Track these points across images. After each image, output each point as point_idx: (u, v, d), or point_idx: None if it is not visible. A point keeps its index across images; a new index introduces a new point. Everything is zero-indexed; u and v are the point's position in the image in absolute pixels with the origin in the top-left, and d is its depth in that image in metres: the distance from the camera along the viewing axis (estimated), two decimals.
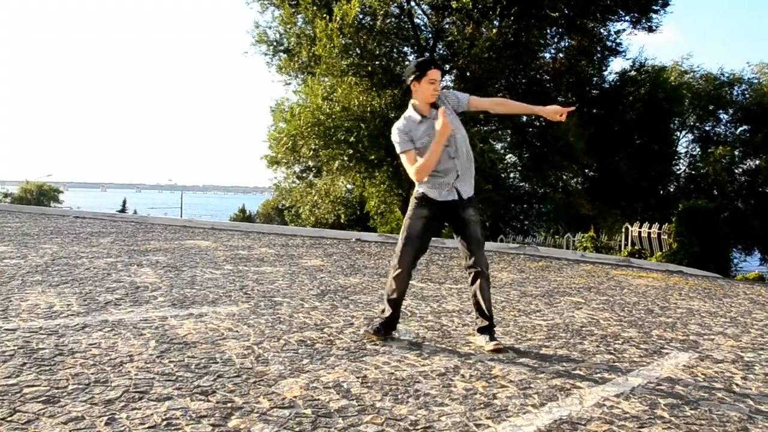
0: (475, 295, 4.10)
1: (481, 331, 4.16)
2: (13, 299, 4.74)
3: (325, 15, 15.84)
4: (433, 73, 3.96)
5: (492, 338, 4.11)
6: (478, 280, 4.07)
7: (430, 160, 3.88)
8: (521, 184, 24.56)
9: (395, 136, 4.04)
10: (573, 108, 4.11)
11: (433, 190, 4.05)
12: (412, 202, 4.15)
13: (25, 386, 2.86)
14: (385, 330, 4.22)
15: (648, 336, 4.86)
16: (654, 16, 18.16)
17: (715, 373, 3.90)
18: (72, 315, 4.32)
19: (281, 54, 18.52)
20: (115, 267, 6.60)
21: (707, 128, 26.69)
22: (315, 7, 16.63)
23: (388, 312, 4.21)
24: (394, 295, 4.16)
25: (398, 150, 4.06)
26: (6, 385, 2.86)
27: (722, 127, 26.69)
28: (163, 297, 5.17)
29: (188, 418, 2.62)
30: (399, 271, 4.09)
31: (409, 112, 4.09)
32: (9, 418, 2.50)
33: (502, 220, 24.27)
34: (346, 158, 16.15)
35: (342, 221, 25.26)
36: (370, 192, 18.80)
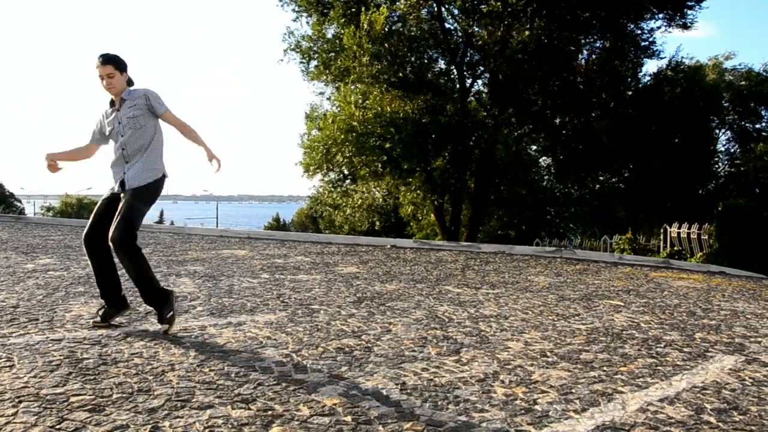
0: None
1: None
2: (57, 310, 4.85)
3: (352, 24, 15.91)
4: (98, 69, 4.27)
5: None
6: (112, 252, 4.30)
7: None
8: (556, 186, 24.30)
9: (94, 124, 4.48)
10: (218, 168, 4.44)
11: (112, 181, 4.38)
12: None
13: (71, 395, 2.92)
14: (113, 313, 4.46)
15: (691, 339, 4.75)
16: (689, 12, 17.82)
17: (764, 376, 3.79)
18: (114, 325, 4.40)
19: (314, 62, 18.62)
20: None
21: (747, 125, 26.02)
22: (344, 19, 16.71)
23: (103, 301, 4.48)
24: (99, 286, 4.42)
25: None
26: (54, 393, 2.93)
27: (763, 123, 25.98)
28: (202, 306, 5.24)
29: (230, 426, 2.65)
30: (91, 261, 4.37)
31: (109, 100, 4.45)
32: (57, 426, 2.56)
33: (536, 224, 24.05)
34: (379, 165, 16.18)
35: (376, 228, 25.31)
36: (405, 198, 18.81)
